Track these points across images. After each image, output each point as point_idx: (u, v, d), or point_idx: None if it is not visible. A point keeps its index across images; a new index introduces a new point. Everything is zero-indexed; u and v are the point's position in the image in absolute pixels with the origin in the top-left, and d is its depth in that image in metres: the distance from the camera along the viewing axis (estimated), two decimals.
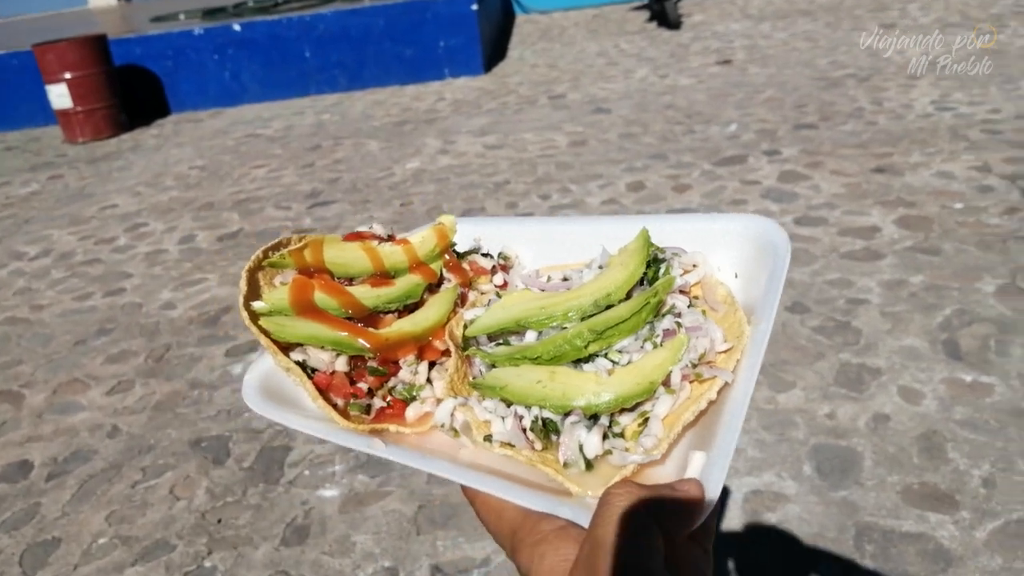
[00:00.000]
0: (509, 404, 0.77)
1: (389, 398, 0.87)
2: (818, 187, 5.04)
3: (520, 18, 13.28)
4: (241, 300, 0.86)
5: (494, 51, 10.46)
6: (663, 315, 0.82)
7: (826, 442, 2.88)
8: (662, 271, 0.87)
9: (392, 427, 0.83)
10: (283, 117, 8.72)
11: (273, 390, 0.87)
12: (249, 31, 9.32)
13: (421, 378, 0.87)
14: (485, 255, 1.02)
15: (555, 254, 1.00)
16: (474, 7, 9.17)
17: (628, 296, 0.84)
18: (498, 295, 0.95)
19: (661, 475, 0.70)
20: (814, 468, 2.77)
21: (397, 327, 0.89)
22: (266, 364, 0.88)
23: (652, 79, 8.27)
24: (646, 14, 11.94)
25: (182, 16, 10.44)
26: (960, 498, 2.57)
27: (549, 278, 0.95)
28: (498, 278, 0.99)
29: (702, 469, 0.65)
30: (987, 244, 4.08)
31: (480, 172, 6.13)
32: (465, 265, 0.99)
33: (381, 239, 0.99)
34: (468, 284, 0.98)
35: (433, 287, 0.96)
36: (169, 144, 8.29)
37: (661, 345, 0.79)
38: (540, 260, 1.02)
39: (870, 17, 9.95)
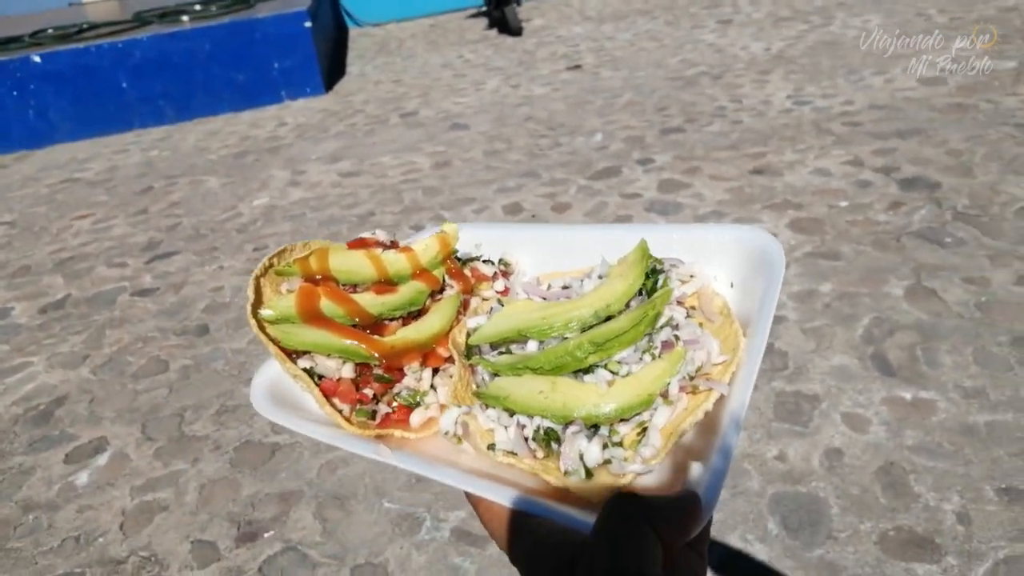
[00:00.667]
0: (512, 413, 0.78)
1: (394, 404, 0.87)
2: (701, 195, 4.86)
3: (354, 31, 12.69)
4: (249, 308, 0.87)
5: (333, 68, 9.86)
6: (661, 327, 0.83)
7: (785, 490, 2.61)
8: (660, 282, 0.88)
9: (397, 432, 0.83)
10: (103, 157, 7.79)
11: (280, 396, 0.89)
12: (53, 62, 8.29)
13: (425, 384, 0.88)
14: (486, 261, 1.02)
15: (555, 260, 1.01)
16: (308, 24, 8.55)
17: (627, 307, 0.86)
18: (500, 302, 0.96)
19: (659, 483, 0.71)
20: (780, 523, 2.49)
21: (402, 335, 0.90)
22: (273, 370, 0.90)
23: (505, 90, 7.97)
24: (484, 21, 11.66)
25: None
26: (940, 541, 2.35)
27: (549, 286, 0.96)
28: (499, 284, 1.00)
29: (699, 478, 0.67)
30: (883, 244, 4.00)
31: (339, 204, 5.60)
32: (467, 271, 1.00)
33: (384, 246, 1.00)
34: (470, 290, 0.99)
35: (436, 293, 0.97)
36: None
37: (659, 357, 0.80)
38: (540, 266, 1.03)
39: (706, 14, 10.09)
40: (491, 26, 11.22)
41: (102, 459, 3.29)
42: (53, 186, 7.10)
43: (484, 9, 11.17)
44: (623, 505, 0.62)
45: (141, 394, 3.69)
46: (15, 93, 8.31)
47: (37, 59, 8.26)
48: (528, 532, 0.68)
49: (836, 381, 3.07)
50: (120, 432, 3.43)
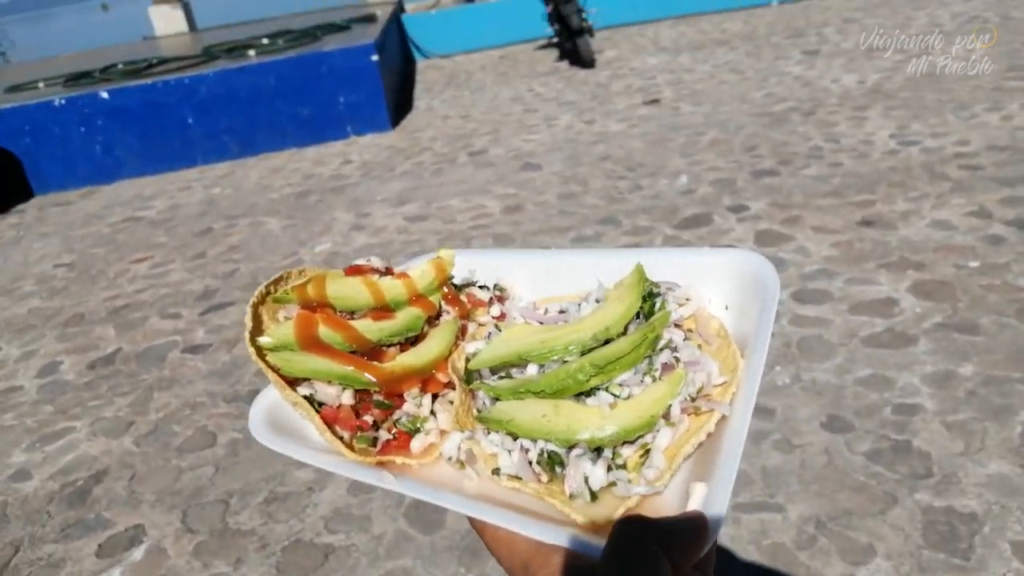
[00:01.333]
0: (515, 437, 0.78)
1: (394, 430, 0.87)
2: (805, 249, 4.35)
3: (422, 63, 12.49)
4: (247, 335, 0.87)
5: (400, 103, 9.61)
6: (661, 349, 0.83)
7: None
8: (658, 305, 0.88)
9: (398, 459, 0.83)
10: (167, 194, 7.63)
11: (279, 423, 0.88)
12: (120, 98, 8.21)
13: (425, 410, 0.88)
14: (482, 287, 1.03)
15: (550, 286, 1.01)
16: (375, 58, 8.31)
17: (625, 330, 0.86)
18: (497, 327, 0.96)
19: (663, 505, 0.71)
20: None
21: (401, 361, 0.90)
22: (271, 397, 0.90)
23: (579, 126, 7.57)
24: (555, 53, 11.32)
25: (41, 84, 9.21)
26: None
27: (546, 310, 0.97)
28: (495, 310, 1.00)
29: (704, 500, 0.67)
30: None
31: (406, 251, 5.24)
32: (463, 297, 1.01)
33: (380, 272, 1.00)
34: (467, 316, 0.99)
35: (433, 319, 0.97)
36: (31, 235, 7.10)
37: (660, 379, 0.80)
38: (535, 292, 1.03)
39: (790, 44, 9.56)
40: (562, 58, 10.87)
41: (137, 553, 2.93)
42: (115, 225, 6.93)
43: (555, 40, 10.82)
44: (631, 527, 0.61)
45: (185, 472, 3.34)
46: (83, 129, 8.24)
47: (105, 95, 8.18)
48: (537, 560, 0.67)
49: (997, 496, 2.53)
50: (159, 520, 3.08)
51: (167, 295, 5.18)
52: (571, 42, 10.10)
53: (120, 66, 9.29)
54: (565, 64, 10.54)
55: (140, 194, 7.78)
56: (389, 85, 9.01)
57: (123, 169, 8.38)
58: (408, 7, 14.45)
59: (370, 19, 10.48)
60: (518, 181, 6.29)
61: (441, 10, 12.95)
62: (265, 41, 9.37)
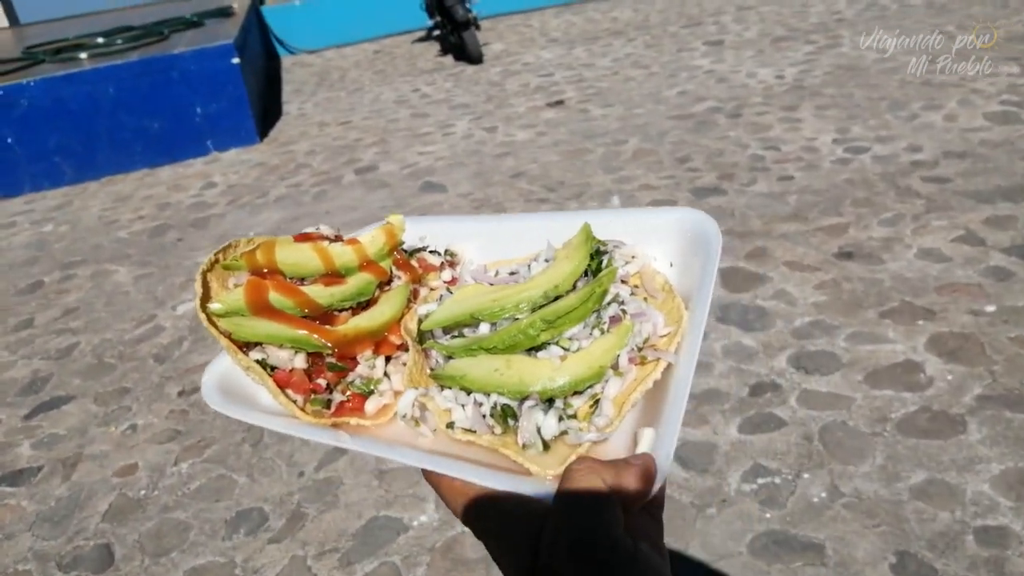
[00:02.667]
0: (469, 392, 0.80)
1: (348, 392, 0.87)
2: (786, 295, 3.65)
3: (287, 60, 11.24)
4: (197, 302, 0.87)
5: (267, 110, 8.43)
6: (608, 304, 0.85)
7: None
8: (605, 262, 0.90)
9: (353, 420, 0.84)
10: None
11: (231, 389, 0.88)
12: None
13: (378, 372, 0.89)
14: (433, 252, 1.03)
15: (499, 250, 1.02)
16: (235, 60, 7.13)
17: (574, 287, 0.88)
18: (449, 290, 0.97)
19: (613, 451, 0.73)
20: None
21: (354, 323, 0.90)
22: (223, 365, 0.90)
23: (479, 134, 6.68)
24: (436, 47, 10.36)
25: None
26: None
27: (497, 272, 0.98)
28: (446, 274, 1.01)
29: (653, 444, 0.69)
30: None
31: None
32: (414, 263, 1.01)
33: (330, 239, 1.00)
34: (418, 280, 1.00)
35: (384, 284, 0.98)
36: None
37: (608, 331, 0.82)
38: (485, 256, 1.03)
39: (688, 35, 8.98)
40: (445, 52, 9.93)
41: None
42: None
43: (435, 33, 9.82)
44: (581, 471, 0.63)
45: None
46: None
47: None
48: (492, 507, 0.68)
49: None
50: None
51: None
52: (455, 35, 9.17)
53: None
54: (450, 59, 9.60)
55: None
56: (253, 90, 7.83)
57: None
58: None
59: (225, 13, 9.18)
60: (421, 206, 5.35)
61: (306, 0, 11.72)
62: (100, 40, 7.97)
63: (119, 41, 7.86)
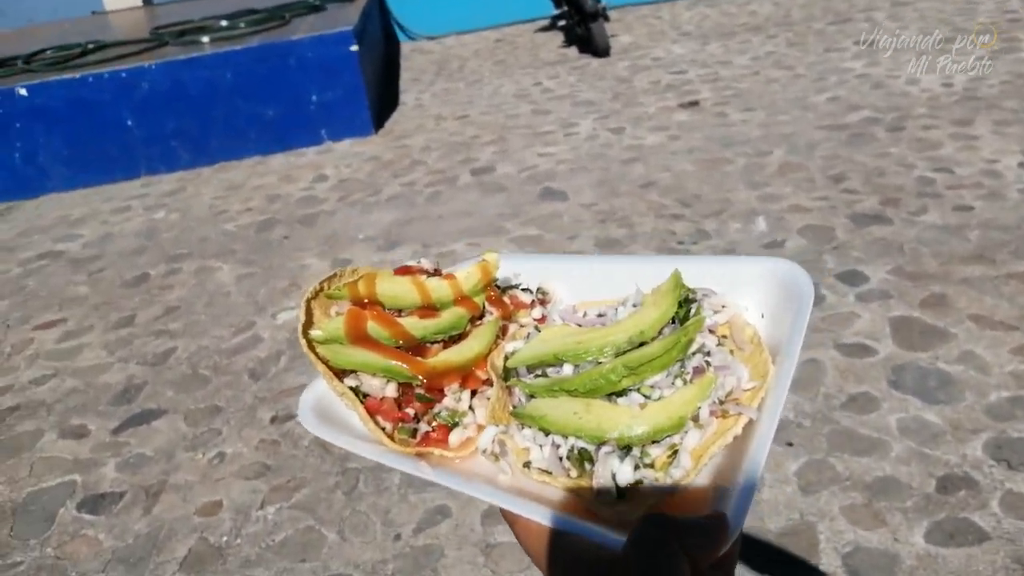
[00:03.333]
0: (547, 433, 0.80)
1: (434, 423, 0.88)
2: (974, 357, 3.05)
3: (406, 46, 11.00)
4: (300, 328, 0.90)
5: (383, 99, 8.16)
6: (693, 354, 0.84)
7: None
8: (693, 311, 0.88)
9: (436, 451, 0.85)
10: (99, 217, 6.18)
11: (326, 413, 0.91)
12: (43, 95, 6.72)
13: (464, 405, 0.90)
14: (525, 290, 1.05)
15: (590, 291, 1.02)
16: (354, 48, 6.87)
17: (660, 334, 0.87)
18: (537, 329, 0.98)
19: (688, 505, 0.73)
20: None
21: (443, 357, 0.92)
22: (320, 388, 0.92)
23: (604, 135, 6.20)
24: (559, 37, 9.89)
25: None
26: None
27: (585, 314, 0.98)
28: (536, 312, 1.02)
29: (727, 501, 0.68)
30: None
31: None
32: (506, 299, 1.03)
33: (429, 273, 1.02)
34: (509, 317, 1.01)
35: (476, 319, 0.99)
36: None
37: (691, 382, 0.81)
38: (576, 295, 1.04)
39: (836, 32, 8.21)
40: (569, 43, 9.44)
41: None
42: (29, 262, 5.49)
43: (561, 24, 9.32)
44: (654, 524, 0.63)
45: None
46: None
47: (24, 91, 6.68)
48: (563, 550, 0.69)
49: None
50: None
51: (74, 391, 3.79)
52: (582, 26, 8.67)
53: (49, 52, 7.76)
54: (574, 51, 9.11)
55: (66, 216, 6.32)
56: (371, 78, 7.57)
57: (49, 181, 6.90)
58: None
59: None
60: (539, 216, 4.93)
61: None
62: (224, 24, 7.86)
63: (242, 24, 7.72)
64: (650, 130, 6.14)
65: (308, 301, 0.93)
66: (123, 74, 6.71)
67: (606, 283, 1.01)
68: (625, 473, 0.74)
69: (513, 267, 1.08)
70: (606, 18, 8.61)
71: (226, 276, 4.77)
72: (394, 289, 0.98)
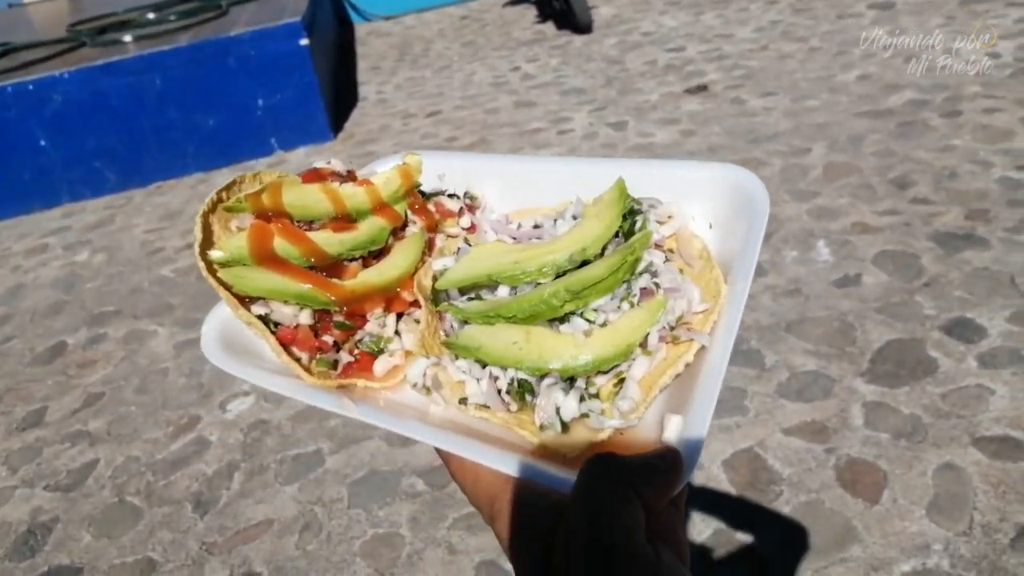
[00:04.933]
0: (484, 365, 0.75)
1: (356, 351, 0.82)
2: None
3: (361, 29, 9.94)
4: (197, 248, 0.82)
5: (340, 96, 7.18)
6: (640, 273, 0.79)
7: None
8: (638, 224, 0.83)
9: (360, 382, 0.80)
10: (9, 261, 5.19)
11: (232, 342, 0.83)
12: None
13: (389, 331, 0.84)
14: (451, 195, 0.97)
15: (523, 195, 0.96)
16: (304, 41, 5.87)
17: (603, 251, 0.82)
18: (467, 241, 0.92)
19: (637, 437, 0.68)
20: None
21: (364, 278, 0.85)
22: (224, 314, 0.85)
23: (605, 132, 5.31)
24: (531, 11, 8.92)
25: None
26: None
27: (520, 225, 0.92)
28: (465, 220, 0.95)
29: (679, 434, 0.65)
30: None
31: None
32: (431, 207, 0.95)
33: (341, 177, 0.94)
34: (434, 228, 0.94)
35: (398, 230, 0.92)
36: None
37: (638, 305, 0.77)
38: (507, 200, 0.97)
39: None
40: (544, 19, 8.49)
41: None
42: None
43: None
44: (602, 468, 0.59)
45: None
46: None
47: None
48: (506, 494, 0.64)
49: None
50: None
51: None
52: (564, 2, 7.72)
53: None
54: (551, 28, 8.17)
55: None
56: (325, 74, 6.59)
57: None
58: None
59: None
60: None
61: None
62: (151, 16, 6.80)
63: (172, 17, 6.67)
64: (658, 124, 5.26)
65: (205, 215, 0.83)
66: (30, 86, 5.66)
67: (540, 186, 0.94)
68: (570, 406, 0.70)
69: (437, 165, 0.99)
70: None
71: (162, 344, 3.84)
72: (303, 198, 0.88)
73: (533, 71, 6.91)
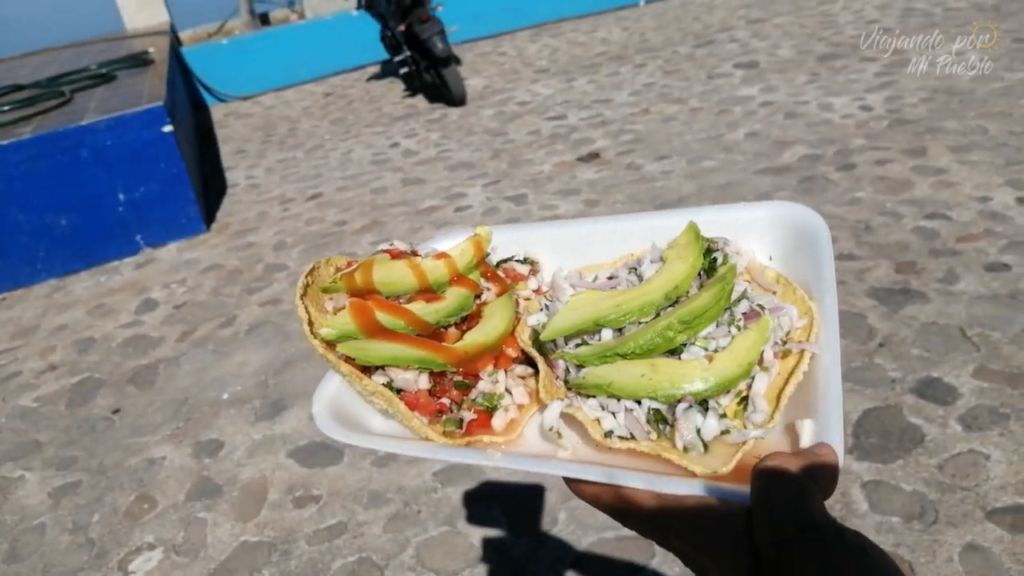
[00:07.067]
0: (618, 399, 0.78)
1: (472, 410, 0.85)
2: None
3: (218, 111, 9.41)
4: (307, 329, 0.84)
5: (207, 183, 6.66)
6: (738, 300, 0.83)
7: None
8: (720, 260, 0.87)
9: (486, 438, 0.82)
10: None
11: (344, 417, 0.86)
12: None
13: (500, 387, 0.87)
14: (520, 261, 1.03)
15: (573, 255, 1.00)
16: (168, 128, 5.37)
17: (690, 287, 0.86)
18: (547, 299, 0.96)
19: (774, 446, 0.71)
20: None
21: (472, 339, 0.89)
22: (329, 393, 0.88)
23: (505, 207, 5.10)
24: (398, 85, 8.72)
25: None
26: None
27: (596, 277, 0.95)
28: (533, 283, 1.00)
29: (819, 432, 0.68)
30: None
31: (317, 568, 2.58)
32: (500, 273, 1.00)
33: (408, 255, 0.98)
34: (506, 291, 0.98)
35: (476, 297, 0.96)
36: None
37: (746, 327, 0.80)
38: (562, 262, 1.01)
39: (708, 56, 7.59)
40: (414, 92, 8.30)
41: None
42: None
43: (402, 71, 8.08)
44: (775, 465, 0.63)
45: None
46: None
47: None
48: (681, 514, 0.66)
49: None
50: None
51: None
52: (432, 72, 7.54)
53: None
54: (423, 101, 7.98)
55: None
56: (191, 161, 6.07)
57: None
58: (184, 36, 11.23)
59: (141, 61, 7.35)
60: None
61: (233, 38, 9.95)
62: None
63: (6, 108, 6.00)
64: (558, 195, 5.11)
65: (302, 298, 0.87)
66: None
67: (590, 247, 1.00)
68: (711, 426, 0.73)
69: (495, 239, 1.03)
70: (458, 61, 7.56)
71: (34, 494, 3.23)
72: (390, 275, 0.92)
73: (414, 147, 6.66)
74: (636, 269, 0.92)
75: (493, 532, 2.66)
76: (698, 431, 0.74)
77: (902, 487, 2.45)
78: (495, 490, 2.82)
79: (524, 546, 2.57)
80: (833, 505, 2.42)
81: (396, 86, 8.74)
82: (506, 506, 2.75)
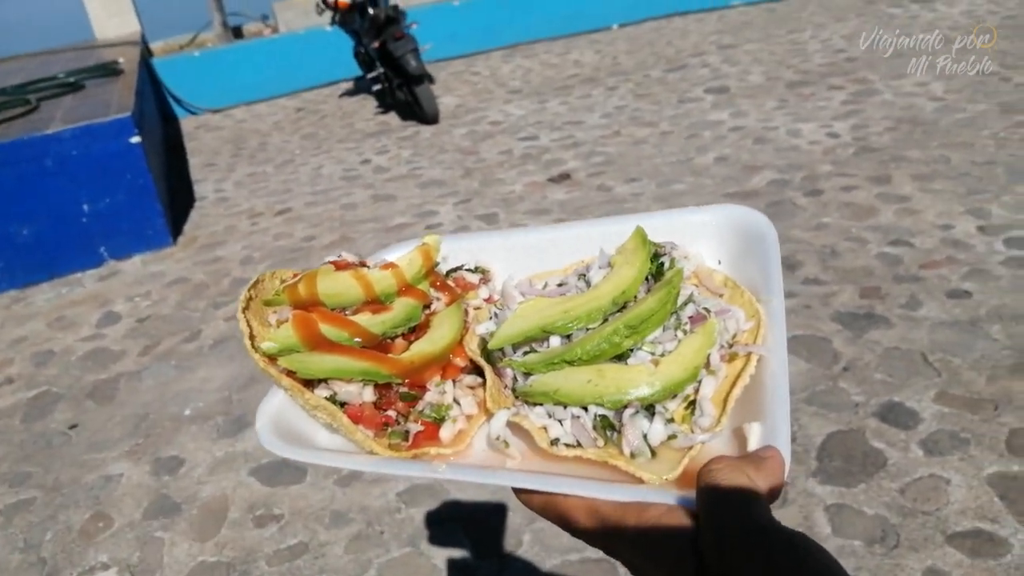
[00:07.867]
0: (564, 407, 0.78)
1: (419, 421, 0.84)
2: None
3: (187, 123, 9.33)
4: (248, 343, 0.82)
5: (174, 194, 6.59)
6: (684, 304, 0.84)
7: None
8: (667, 264, 0.88)
9: (432, 450, 0.81)
10: None
11: (288, 432, 0.85)
12: None
13: (448, 398, 0.87)
14: (470, 270, 1.03)
15: (525, 264, 1.00)
16: (136, 139, 5.31)
17: (637, 292, 0.86)
18: (496, 307, 0.96)
19: (721, 450, 0.71)
20: None
21: (419, 350, 0.88)
22: (272, 407, 0.86)
23: (477, 224, 5.10)
24: (370, 102, 8.71)
25: None
26: None
27: (546, 284, 0.95)
28: (484, 292, 1.00)
29: (766, 435, 0.68)
30: None
31: None
32: (450, 283, 1.00)
33: (357, 266, 0.97)
34: (454, 301, 0.98)
35: (424, 308, 0.96)
36: None
37: (692, 331, 0.81)
38: (514, 270, 1.01)
39: (680, 80, 7.68)
40: (387, 110, 8.29)
41: None
42: None
43: (375, 88, 8.07)
44: (723, 470, 0.63)
45: None
46: None
47: None
48: (627, 521, 0.66)
49: None
50: None
51: None
52: (404, 90, 7.55)
53: None
54: (395, 118, 7.97)
55: None
56: (158, 172, 6.00)
57: None
58: (155, 47, 11.15)
59: (110, 71, 7.28)
60: None
61: (205, 50, 9.88)
62: None
63: None
64: (528, 215, 5.12)
65: (244, 312, 0.85)
66: None
67: (539, 254, 1.00)
68: (657, 432, 0.73)
69: (446, 248, 1.03)
70: (431, 80, 7.57)
71: None
72: (336, 286, 0.91)
73: (385, 163, 6.64)
74: (585, 276, 0.92)
75: (457, 553, 2.63)
76: (645, 436, 0.74)
77: (864, 511, 2.47)
78: (459, 511, 2.80)
79: (488, 568, 2.55)
80: (796, 528, 2.43)
81: (369, 102, 8.73)
82: (470, 527, 2.72)
